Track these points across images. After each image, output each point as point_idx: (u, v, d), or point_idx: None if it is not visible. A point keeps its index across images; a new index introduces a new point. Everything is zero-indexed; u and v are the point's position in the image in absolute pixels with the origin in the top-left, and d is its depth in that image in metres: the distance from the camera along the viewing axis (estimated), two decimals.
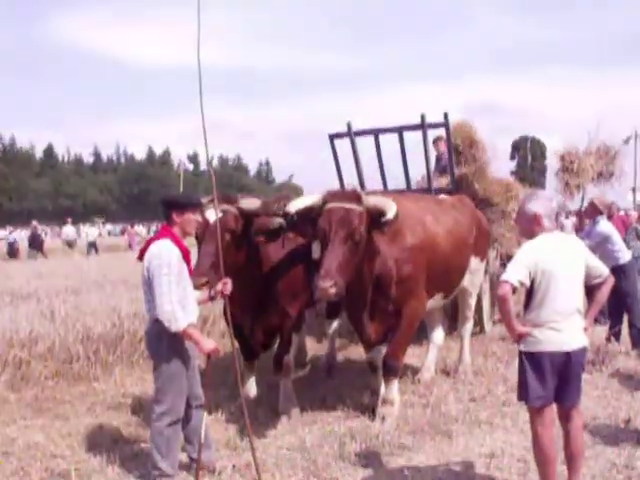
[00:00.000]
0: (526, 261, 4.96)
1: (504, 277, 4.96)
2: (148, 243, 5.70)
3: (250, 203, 6.95)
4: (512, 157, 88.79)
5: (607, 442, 6.45)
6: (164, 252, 5.42)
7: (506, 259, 11.74)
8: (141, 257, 5.62)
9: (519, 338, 5.08)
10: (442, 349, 9.54)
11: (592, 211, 10.38)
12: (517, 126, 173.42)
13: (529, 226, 5.21)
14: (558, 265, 4.97)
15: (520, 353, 5.12)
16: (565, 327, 4.98)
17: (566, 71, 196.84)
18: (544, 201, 5.25)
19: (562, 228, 19.77)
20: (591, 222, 10.46)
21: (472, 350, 9.56)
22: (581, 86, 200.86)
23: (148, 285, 5.50)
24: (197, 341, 5.55)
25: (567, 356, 4.97)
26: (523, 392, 5.09)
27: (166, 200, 5.82)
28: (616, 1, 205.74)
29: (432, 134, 10.91)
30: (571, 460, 5.19)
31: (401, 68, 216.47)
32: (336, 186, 10.86)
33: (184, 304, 5.47)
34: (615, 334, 10.66)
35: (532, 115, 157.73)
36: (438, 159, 11.72)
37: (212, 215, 6.44)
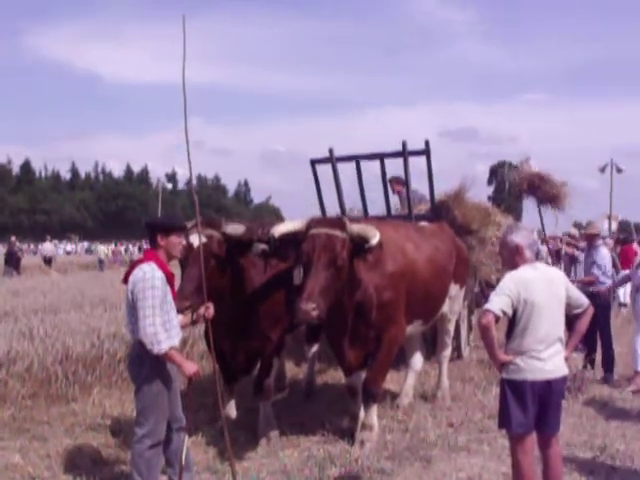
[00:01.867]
0: (508, 291, 5.07)
1: (487, 306, 5.07)
2: (133, 266, 5.74)
3: (234, 228, 7.01)
4: (489, 182, 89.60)
5: (582, 469, 6.55)
6: (148, 275, 5.45)
7: (485, 286, 11.89)
8: (126, 280, 5.65)
9: (502, 366, 5.16)
10: (420, 374, 9.61)
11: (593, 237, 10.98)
12: (494, 152, 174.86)
13: (511, 257, 5.35)
14: (540, 295, 5.09)
15: (502, 381, 5.21)
16: (547, 356, 5.10)
17: (543, 99, 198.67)
18: (525, 233, 5.37)
19: (537, 254, 19.98)
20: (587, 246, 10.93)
21: (450, 375, 9.62)
22: (558, 114, 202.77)
23: (132, 308, 5.53)
24: (179, 364, 5.59)
25: (548, 384, 5.09)
26: (505, 420, 5.18)
27: (151, 223, 5.87)
28: (592, 31, 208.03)
29: (413, 161, 11.04)
30: None
31: (382, 92, 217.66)
32: (316, 210, 10.98)
33: (167, 327, 5.51)
34: (590, 361, 10.82)
35: (508, 142, 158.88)
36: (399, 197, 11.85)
37: (196, 240, 6.49)
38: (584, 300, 5.41)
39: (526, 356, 5.08)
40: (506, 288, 5.10)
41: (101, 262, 42.26)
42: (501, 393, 5.22)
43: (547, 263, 15.32)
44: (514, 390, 5.10)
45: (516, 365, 5.09)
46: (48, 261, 39.91)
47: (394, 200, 11.57)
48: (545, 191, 11.27)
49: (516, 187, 11.60)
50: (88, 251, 68.24)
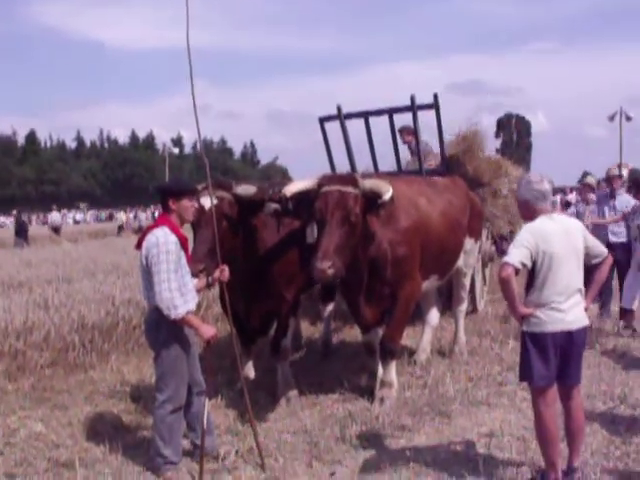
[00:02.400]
0: (527, 243, 5.00)
1: (506, 259, 5.00)
2: (145, 232, 5.70)
3: (245, 189, 6.95)
4: (497, 135, 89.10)
5: (603, 420, 6.54)
6: (162, 240, 5.41)
7: (498, 238, 11.85)
8: (139, 246, 5.61)
9: (522, 319, 5.11)
10: (436, 329, 9.60)
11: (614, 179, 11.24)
12: (501, 103, 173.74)
13: (522, 211, 5.35)
14: (558, 246, 5.02)
15: (523, 334, 5.16)
16: (567, 307, 5.04)
17: (548, 48, 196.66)
18: (531, 185, 5.24)
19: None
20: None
21: (466, 330, 9.60)
22: (564, 63, 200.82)
23: (147, 273, 5.51)
24: (197, 328, 5.58)
25: (569, 335, 5.04)
26: (526, 372, 5.14)
27: (162, 188, 5.83)
28: None
29: (422, 115, 10.91)
30: (572, 437, 5.28)
31: (385, 48, 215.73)
32: (325, 168, 10.91)
33: (183, 291, 5.48)
34: (606, 310, 10.81)
35: (514, 93, 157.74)
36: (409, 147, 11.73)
37: (207, 202, 6.43)
38: (602, 249, 5.34)
39: (546, 308, 5.03)
40: (524, 240, 5.03)
41: (121, 228, 43.71)
42: (522, 346, 5.17)
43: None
44: (535, 343, 5.05)
45: (537, 317, 5.04)
46: (56, 230, 40.42)
47: (404, 151, 11.48)
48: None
49: None
50: (98, 219, 68.64)
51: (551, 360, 5.03)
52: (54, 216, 43.64)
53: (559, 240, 5.05)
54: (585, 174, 16.64)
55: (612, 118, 46.46)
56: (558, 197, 39.91)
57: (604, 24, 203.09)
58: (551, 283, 5.02)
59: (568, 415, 5.28)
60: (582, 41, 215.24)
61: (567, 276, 5.05)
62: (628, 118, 46.21)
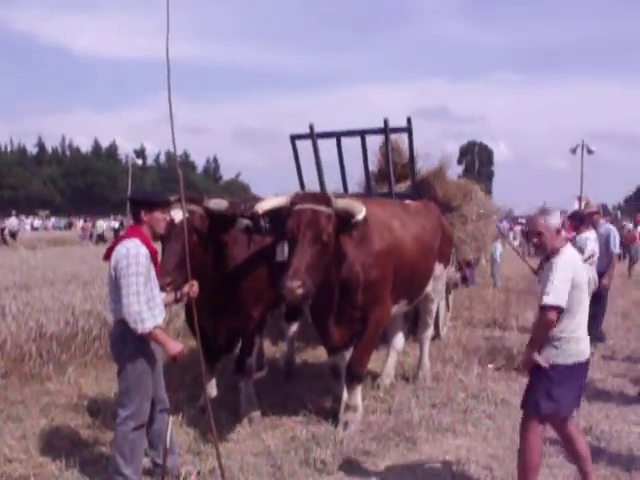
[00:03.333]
0: (568, 279, 4.97)
1: (550, 302, 4.92)
2: (115, 242, 5.55)
3: (217, 204, 6.85)
4: (459, 162, 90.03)
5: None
6: (132, 252, 5.26)
7: (463, 264, 11.86)
8: (107, 257, 5.46)
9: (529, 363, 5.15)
10: (400, 354, 9.53)
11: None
12: (465, 131, 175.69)
13: (553, 241, 5.17)
14: (583, 277, 5.09)
15: (551, 366, 5.05)
16: (585, 336, 5.14)
17: (513, 79, 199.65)
18: (557, 213, 5.24)
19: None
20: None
21: (429, 356, 9.55)
22: (528, 94, 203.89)
23: (115, 285, 5.34)
24: (164, 343, 5.41)
25: (587, 363, 5.16)
26: (551, 404, 5.06)
27: (135, 198, 5.68)
28: (563, 11, 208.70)
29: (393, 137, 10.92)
30: (585, 457, 5.27)
31: (357, 69, 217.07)
32: (291, 187, 10.85)
33: (151, 305, 5.33)
34: None
35: (477, 121, 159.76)
36: None
37: (178, 215, 6.32)
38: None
39: (574, 338, 5.05)
40: (565, 276, 4.96)
41: (100, 237, 43.59)
42: (547, 378, 5.05)
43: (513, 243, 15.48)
44: (564, 374, 5.02)
45: (566, 349, 5.02)
46: (13, 235, 40.34)
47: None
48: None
49: None
50: (56, 227, 67.81)
51: (580, 389, 5.16)
52: (12, 221, 43.38)
53: (583, 271, 5.12)
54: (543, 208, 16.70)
55: (574, 151, 46.97)
56: (518, 227, 40.33)
57: (569, 58, 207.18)
58: (579, 314, 5.07)
59: (575, 439, 5.27)
60: (547, 73, 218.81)
61: (587, 306, 5.17)
62: (589, 151, 46.78)
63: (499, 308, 14.95)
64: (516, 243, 34.12)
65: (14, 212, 47.69)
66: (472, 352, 10.40)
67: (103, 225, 48.43)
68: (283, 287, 5.91)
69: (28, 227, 48.03)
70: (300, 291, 5.86)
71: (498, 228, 14.31)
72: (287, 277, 5.89)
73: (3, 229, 41.91)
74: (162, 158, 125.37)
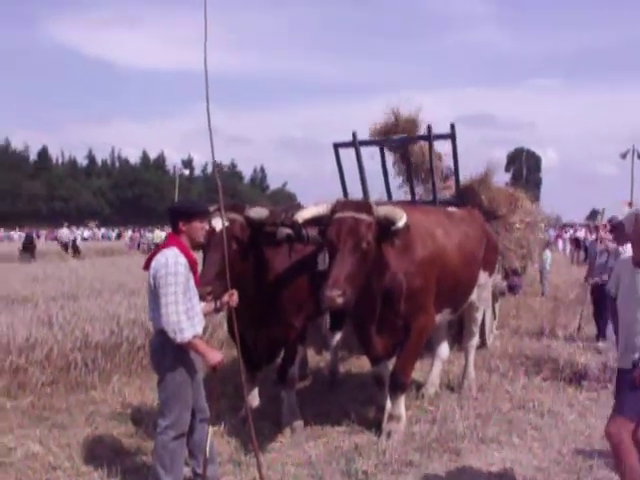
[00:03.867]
0: None
1: None
2: (155, 252, 5.56)
3: (258, 212, 6.82)
4: (507, 169, 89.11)
5: None
6: (171, 261, 5.26)
7: (510, 272, 11.69)
8: (147, 266, 5.47)
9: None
10: (445, 363, 9.42)
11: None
12: (511, 138, 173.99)
13: None
14: None
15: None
16: None
17: (560, 84, 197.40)
18: None
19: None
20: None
21: (475, 365, 9.39)
22: (576, 99, 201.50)
23: (154, 295, 5.34)
24: (203, 353, 5.39)
25: None
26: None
27: (173, 209, 5.69)
28: (606, 13, 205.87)
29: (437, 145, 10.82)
30: None
31: (397, 77, 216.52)
32: (336, 195, 10.79)
33: (190, 315, 5.32)
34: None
35: (524, 127, 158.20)
36: None
37: (219, 223, 6.32)
38: None
39: None
40: None
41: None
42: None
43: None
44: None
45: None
46: (65, 246, 40.92)
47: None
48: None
49: None
50: (106, 237, 68.62)
51: None
52: (64, 232, 44.11)
53: None
54: (594, 212, 16.48)
55: (624, 156, 46.40)
56: (567, 234, 39.82)
57: (617, 60, 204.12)
58: None
59: None
60: (594, 77, 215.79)
61: None
62: None
63: (547, 317, 14.73)
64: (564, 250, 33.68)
65: (66, 224, 48.45)
66: (518, 362, 10.23)
67: (161, 235, 48.78)
68: (323, 296, 5.88)
69: (79, 238, 48.62)
70: (340, 300, 5.82)
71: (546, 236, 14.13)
72: (327, 286, 5.85)
73: (71, 241, 42.83)
74: (210, 168, 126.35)
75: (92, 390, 8.72)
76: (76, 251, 40.47)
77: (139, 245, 46.50)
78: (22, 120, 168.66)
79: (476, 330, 9.25)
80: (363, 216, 6.27)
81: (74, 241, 43.28)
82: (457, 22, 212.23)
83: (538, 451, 6.68)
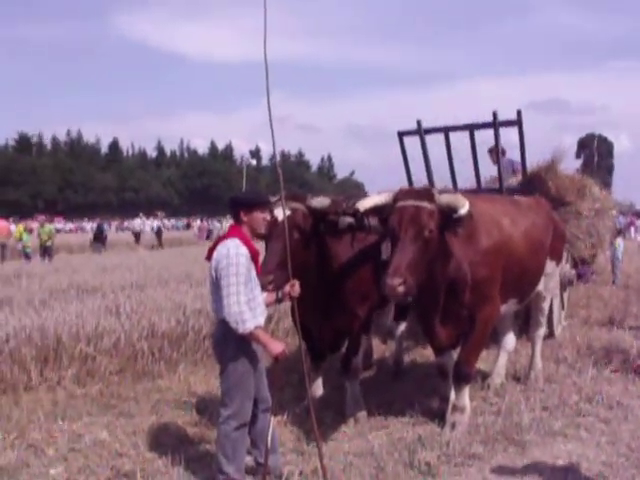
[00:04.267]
0: None
1: None
2: (216, 243, 5.58)
3: (320, 202, 6.81)
4: (578, 155, 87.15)
5: None
6: (232, 252, 5.28)
7: (579, 262, 11.43)
8: (209, 257, 5.50)
9: None
10: (511, 354, 9.26)
11: None
12: (582, 123, 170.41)
13: None
14: None
15: None
16: None
17: (634, 66, 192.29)
18: None
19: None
20: None
21: (542, 355, 9.22)
22: None
23: (216, 286, 5.38)
24: (265, 344, 5.40)
25: None
26: None
27: (234, 199, 5.68)
28: None
29: (504, 132, 10.62)
30: None
31: (465, 64, 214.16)
32: (402, 184, 10.71)
33: (252, 306, 5.33)
34: None
35: (597, 112, 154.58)
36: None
37: (280, 213, 6.32)
38: None
39: None
40: None
41: None
42: None
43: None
44: None
45: None
46: (137, 237, 41.87)
47: (491, 171, 11.22)
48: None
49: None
50: (175, 228, 69.76)
51: None
52: (136, 222, 45.35)
53: None
54: None
55: None
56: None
57: None
58: None
59: None
60: None
61: None
62: None
63: (618, 307, 14.37)
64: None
65: (140, 214, 49.75)
66: (587, 352, 10.00)
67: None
68: (384, 284, 5.83)
69: (148, 228, 49.61)
70: (401, 289, 5.76)
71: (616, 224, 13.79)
72: (388, 275, 5.81)
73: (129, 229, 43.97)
74: (277, 158, 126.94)
75: (158, 379, 8.87)
76: (159, 242, 41.76)
77: (208, 235, 47.04)
78: (93, 113, 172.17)
79: (543, 320, 9.06)
80: (425, 204, 6.19)
81: (158, 231, 44.66)
82: (531, 5, 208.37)
83: (606, 445, 6.50)
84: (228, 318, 5.21)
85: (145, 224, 50.35)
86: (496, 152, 10.27)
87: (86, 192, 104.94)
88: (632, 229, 38.39)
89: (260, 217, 5.58)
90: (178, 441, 6.65)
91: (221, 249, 5.35)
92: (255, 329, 5.28)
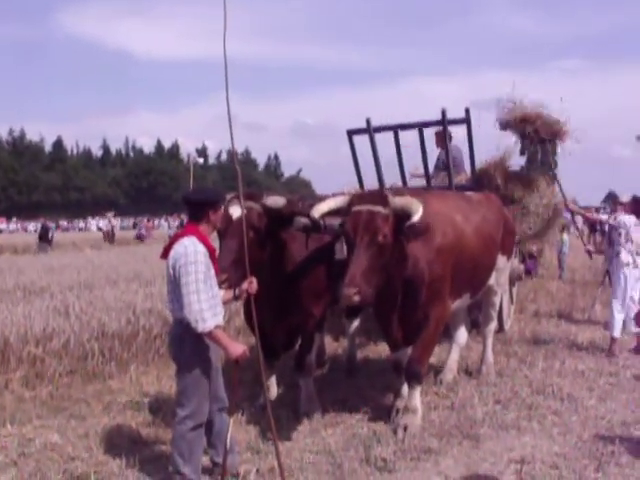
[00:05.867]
0: None
1: None
2: (172, 241, 5.50)
3: (275, 201, 6.76)
4: (522, 152, 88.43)
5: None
6: (190, 250, 5.20)
7: (527, 256, 11.61)
8: (165, 255, 5.42)
9: None
10: (462, 348, 9.35)
11: None
12: None
13: None
14: None
15: None
16: None
17: (574, 66, 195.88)
18: None
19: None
20: None
21: (493, 350, 9.33)
22: (590, 81, 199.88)
23: (174, 284, 5.29)
24: (225, 346, 5.32)
25: None
26: None
27: (201, 199, 5.51)
28: None
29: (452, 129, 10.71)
30: None
31: (411, 63, 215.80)
32: (349, 182, 10.83)
33: (212, 304, 5.28)
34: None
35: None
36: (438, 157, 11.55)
37: (235, 211, 6.28)
38: None
39: None
40: None
41: None
42: None
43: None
44: None
45: None
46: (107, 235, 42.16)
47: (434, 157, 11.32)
48: (541, 128, 10.94)
49: (507, 121, 11.09)
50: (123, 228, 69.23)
51: None
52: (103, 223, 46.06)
53: None
54: (610, 194, 16.23)
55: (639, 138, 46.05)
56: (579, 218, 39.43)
57: (631, 43, 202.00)
58: None
59: None
60: (608, 59, 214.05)
61: None
62: None
63: (565, 300, 14.63)
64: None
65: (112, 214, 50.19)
66: (537, 346, 10.16)
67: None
68: (340, 294, 5.87)
69: (94, 228, 49.24)
70: (357, 298, 5.80)
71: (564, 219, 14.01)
72: (344, 284, 5.84)
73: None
74: (224, 156, 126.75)
75: (109, 380, 8.73)
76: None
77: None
78: (36, 112, 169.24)
79: (494, 314, 9.17)
80: (379, 209, 6.22)
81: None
82: (473, 5, 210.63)
83: (558, 437, 6.60)
84: (188, 317, 5.14)
85: (89, 224, 50.08)
86: (445, 149, 10.36)
87: (30, 192, 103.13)
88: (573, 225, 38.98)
89: (219, 214, 5.56)
90: (132, 442, 6.56)
91: (178, 247, 5.27)
92: (215, 328, 5.22)
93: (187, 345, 5.30)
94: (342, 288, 5.83)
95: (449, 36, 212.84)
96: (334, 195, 7.26)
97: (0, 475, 5.86)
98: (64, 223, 69.60)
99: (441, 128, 10.42)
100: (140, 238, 44.73)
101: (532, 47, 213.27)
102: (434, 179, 10.82)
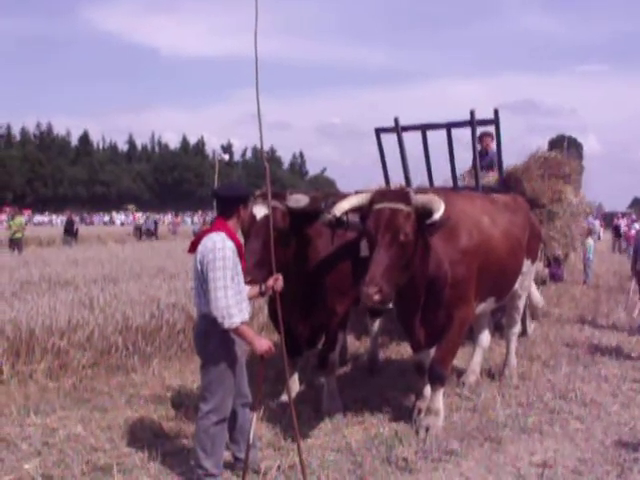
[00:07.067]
0: None
1: None
2: (200, 236, 5.51)
3: (298, 200, 6.76)
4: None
5: None
6: (219, 245, 5.20)
7: (552, 261, 11.55)
8: (192, 250, 5.44)
9: None
10: (486, 351, 9.31)
11: None
12: (552, 125, 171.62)
13: None
14: None
15: None
16: None
17: (602, 69, 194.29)
18: None
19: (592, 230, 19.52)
20: None
21: (516, 353, 9.27)
22: (618, 84, 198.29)
23: (201, 280, 5.31)
24: (251, 341, 5.34)
25: None
26: None
27: (233, 195, 5.53)
28: None
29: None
30: None
31: (437, 65, 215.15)
32: (374, 181, 10.80)
33: (238, 299, 5.28)
34: None
35: (566, 114, 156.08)
36: (483, 154, 11.45)
37: (259, 211, 6.28)
38: None
39: None
40: None
41: None
42: None
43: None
44: None
45: None
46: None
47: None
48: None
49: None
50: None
51: None
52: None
53: None
54: (636, 200, 16.11)
55: None
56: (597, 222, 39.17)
57: None
58: None
59: None
60: (634, 63, 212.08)
61: None
62: None
63: (589, 306, 14.53)
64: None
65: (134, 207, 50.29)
66: (560, 350, 10.10)
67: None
68: (361, 293, 5.83)
69: (118, 222, 49.52)
70: (377, 297, 5.74)
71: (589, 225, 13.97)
72: (364, 283, 5.79)
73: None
74: (249, 154, 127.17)
75: (132, 373, 8.80)
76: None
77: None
78: (64, 106, 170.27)
79: (518, 318, 9.11)
80: (401, 206, 6.16)
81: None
82: (499, 9, 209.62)
83: (581, 442, 6.56)
84: (215, 312, 5.14)
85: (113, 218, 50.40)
86: (490, 136, 10.40)
87: (56, 185, 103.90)
88: (601, 230, 38.78)
89: (249, 212, 5.60)
90: (154, 435, 6.60)
91: (207, 242, 5.28)
92: (241, 324, 5.23)
93: (212, 340, 5.31)
94: (362, 287, 5.79)
95: (474, 38, 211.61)
96: (357, 192, 7.22)
97: (24, 464, 5.91)
98: (89, 217, 69.97)
99: (487, 129, 10.42)
100: (149, 234, 44.57)
101: (556, 50, 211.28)
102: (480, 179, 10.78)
